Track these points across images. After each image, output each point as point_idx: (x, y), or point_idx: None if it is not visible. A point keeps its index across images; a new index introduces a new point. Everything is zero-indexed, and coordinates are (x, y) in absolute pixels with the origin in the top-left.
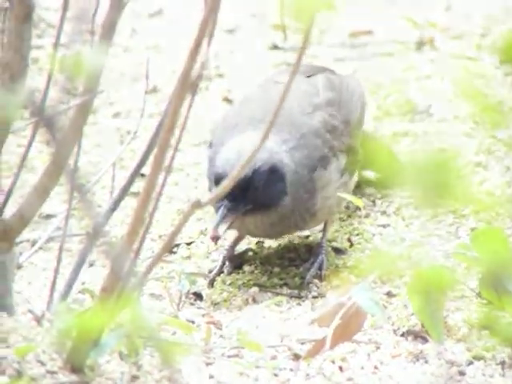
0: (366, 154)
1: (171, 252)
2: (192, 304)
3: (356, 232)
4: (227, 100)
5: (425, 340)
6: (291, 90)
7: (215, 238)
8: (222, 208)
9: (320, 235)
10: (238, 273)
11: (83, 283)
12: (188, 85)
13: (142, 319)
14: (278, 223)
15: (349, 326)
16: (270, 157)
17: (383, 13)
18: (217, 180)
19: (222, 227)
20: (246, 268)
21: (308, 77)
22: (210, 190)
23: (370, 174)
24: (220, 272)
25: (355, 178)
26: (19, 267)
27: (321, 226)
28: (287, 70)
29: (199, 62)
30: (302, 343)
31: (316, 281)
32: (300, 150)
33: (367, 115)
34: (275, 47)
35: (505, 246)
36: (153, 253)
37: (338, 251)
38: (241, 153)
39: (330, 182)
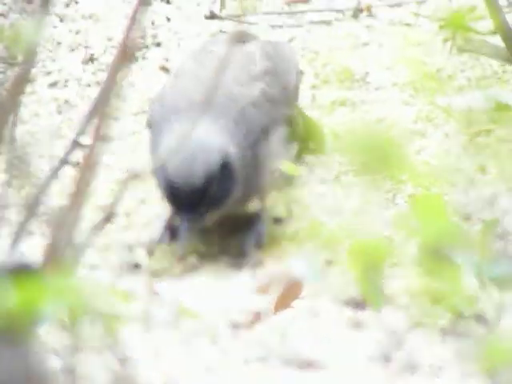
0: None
1: (110, 222)
2: (131, 274)
3: (294, 200)
4: (164, 69)
5: (365, 308)
6: (226, 61)
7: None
8: (184, 228)
9: (258, 204)
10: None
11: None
12: (126, 54)
13: (81, 290)
14: (232, 207)
15: (288, 295)
16: (218, 155)
17: None
18: (170, 189)
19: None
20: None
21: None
22: (161, 195)
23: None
24: (159, 241)
25: (294, 149)
26: None
27: None
28: (221, 39)
29: (136, 31)
30: (242, 312)
31: (255, 250)
32: (241, 128)
33: (305, 84)
34: (212, 16)
35: (444, 212)
36: (92, 223)
37: (277, 220)
38: (192, 156)
39: (275, 155)
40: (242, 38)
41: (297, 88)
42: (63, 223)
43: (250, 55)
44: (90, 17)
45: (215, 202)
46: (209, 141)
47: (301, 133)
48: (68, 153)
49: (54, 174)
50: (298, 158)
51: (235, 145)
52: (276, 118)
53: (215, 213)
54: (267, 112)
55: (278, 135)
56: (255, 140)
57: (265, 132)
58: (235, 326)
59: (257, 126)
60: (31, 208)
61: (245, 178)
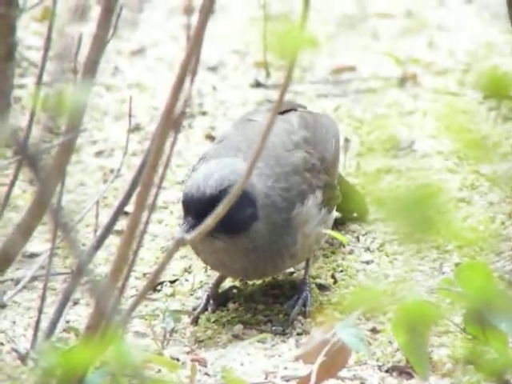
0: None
1: (155, 290)
2: (176, 342)
3: (340, 268)
4: (210, 137)
5: (410, 376)
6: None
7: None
8: (184, 224)
9: (303, 272)
10: (223, 310)
11: (67, 322)
12: (171, 122)
13: (126, 357)
14: (252, 254)
15: (334, 363)
16: (236, 179)
17: (366, 49)
18: (184, 202)
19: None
20: (231, 305)
21: (281, 113)
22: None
23: (349, 214)
24: (204, 310)
25: (334, 215)
26: (3, 306)
27: (304, 263)
28: (260, 110)
29: (182, 100)
30: (287, 380)
31: (300, 317)
32: (281, 183)
33: (350, 152)
34: (258, 84)
35: (489, 281)
36: (137, 291)
37: (322, 288)
38: (209, 175)
39: (309, 219)
40: (285, 107)
41: (336, 156)
42: (108, 291)
43: (290, 123)
44: (136, 86)
45: (225, 222)
46: (238, 168)
47: (343, 201)
48: (113, 221)
49: (100, 242)
50: (343, 226)
51: (266, 187)
52: (314, 184)
53: (225, 235)
54: (305, 179)
55: (314, 201)
56: (292, 202)
57: (301, 196)
58: None
59: (295, 190)
60: (77, 277)
61: (275, 230)
